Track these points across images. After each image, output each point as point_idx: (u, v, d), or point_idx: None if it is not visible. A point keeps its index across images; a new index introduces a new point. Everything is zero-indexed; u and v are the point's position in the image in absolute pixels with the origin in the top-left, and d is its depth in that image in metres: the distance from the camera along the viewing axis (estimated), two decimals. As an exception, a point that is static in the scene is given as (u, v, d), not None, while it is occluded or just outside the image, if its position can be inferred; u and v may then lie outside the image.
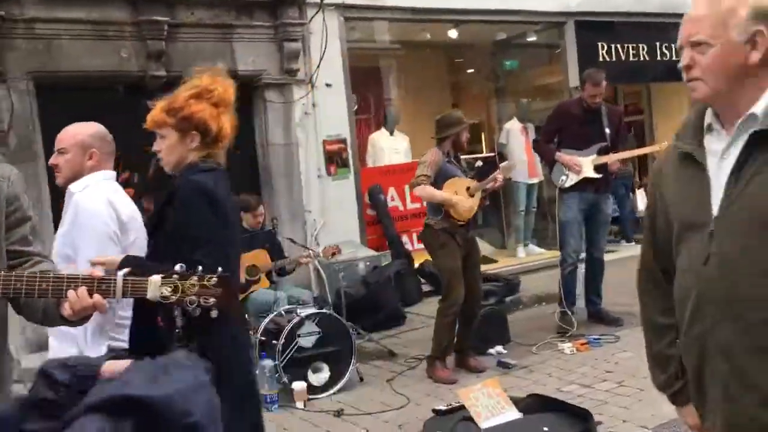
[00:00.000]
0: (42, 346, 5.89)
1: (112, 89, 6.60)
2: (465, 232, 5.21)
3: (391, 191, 8.17)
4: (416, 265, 8.07)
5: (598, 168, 5.99)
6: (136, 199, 6.57)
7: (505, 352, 5.60)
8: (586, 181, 5.99)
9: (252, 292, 5.68)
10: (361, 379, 5.23)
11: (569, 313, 6.06)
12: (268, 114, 7.23)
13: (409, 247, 8.25)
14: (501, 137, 9.71)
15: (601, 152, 6.00)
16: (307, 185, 7.43)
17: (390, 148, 8.75)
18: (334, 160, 7.61)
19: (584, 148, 6.02)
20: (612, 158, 5.97)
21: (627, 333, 5.78)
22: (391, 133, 8.88)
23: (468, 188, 5.20)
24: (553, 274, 8.41)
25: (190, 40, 6.78)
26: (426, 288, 8.16)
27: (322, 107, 7.52)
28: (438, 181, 5.14)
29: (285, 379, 4.81)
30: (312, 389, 4.91)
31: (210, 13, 6.87)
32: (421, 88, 10.39)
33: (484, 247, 9.76)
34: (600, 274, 6.26)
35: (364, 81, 9.27)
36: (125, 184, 6.55)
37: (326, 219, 7.52)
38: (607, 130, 6.02)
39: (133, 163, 6.75)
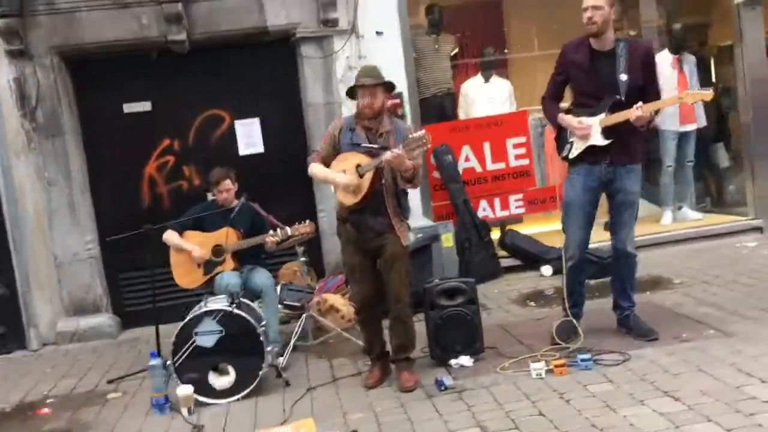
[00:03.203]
0: (77, 311, 6.23)
1: (138, 56, 6.53)
2: (357, 219, 4.21)
3: (466, 150, 7.05)
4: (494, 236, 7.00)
5: (609, 131, 4.42)
6: (177, 166, 6.74)
7: (469, 365, 4.51)
8: (595, 150, 4.47)
9: (217, 273, 5.27)
10: (287, 384, 4.60)
11: (573, 321, 4.68)
12: (305, 71, 6.62)
13: (489, 214, 7.13)
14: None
15: (614, 109, 4.40)
16: (353, 148, 6.70)
17: (484, 97, 7.58)
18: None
19: (595, 105, 4.47)
20: (623, 116, 4.32)
21: (647, 353, 4.31)
22: (487, 80, 7.67)
23: (358, 166, 4.17)
24: (699, 248, 6.81)
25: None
26: (509, 263, 7.03)
27: (372, 59, 6.63)
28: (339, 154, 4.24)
29: (176, 381, 4.38)
30: (215, 393, 4.43)
31: (235, -33, 6.41)
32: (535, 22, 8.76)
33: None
34: (628, 273, 4.73)
35: (467, 20, 8.09)
36: (165, 152, 6.64)
37: (378, 184, 6.74)
38: (623, 77, 4.35)
39: (173, 131, 6.69)
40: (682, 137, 7.67)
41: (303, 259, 5.50)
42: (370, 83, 4.20)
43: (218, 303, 4.57)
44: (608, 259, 6.51)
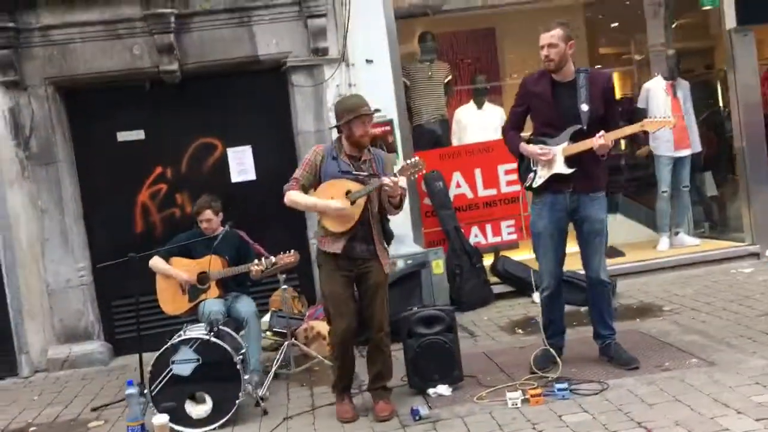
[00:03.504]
0: (69, 338, 6.27)
1: (132, 86, 6.62)
2: (345, 246, 4.20)
3: (457, 177, 7.06)
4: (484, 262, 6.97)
5: (571, 160, 4.43)
6: (169, 194, 6.78)
7: (447, 394, 4.47)
8: (558, 179, 4.48)
9: (202, 300, 5.30)
10: (265, 412, 4.59)
11: (551, 350, 4.64)
12: (296, 99, 6.67)
13: (481, 240, 7.12)
14: (639, 100, 7.86)
15: (576, 138, 4.42)
16: (344, 175, 6.73)
17: (477, 124, 7.59)
18: (378, 145, 6.75)
19: (556, 135, 4.49)
20: (585, 145, 4.36)
21: (626, 383, 4.26)
22: (480, 107, 7.69)
23: (348, 192, 4.18)
24: (694, 275, 6.76)
25: (205, 29, 6.50)
26: (501, 289, 7.00)
27: (362, 87, 6.70)
28: (322, 183, 4.23)
29: (153, 410, 4.38)
30: (191, 422, 4.42)
31: (226, -2, 6.50)
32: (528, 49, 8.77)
33: (628, 231, 8.17)
34: (604, 301, 4.69)
35: (461, 47, 8.14)
36: (158, 180, 6.70)
37: (369, 211, 6.76)
38: (584, 107, 4.38)
39: (166, 159, 6.76)
40: (677, 162, 7.64)
41: (284, 287, 5.49)
42: (371, 112, 4.22)
43: (196, 331, 4.58)
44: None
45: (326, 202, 4.14)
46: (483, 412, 4.12)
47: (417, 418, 4.13)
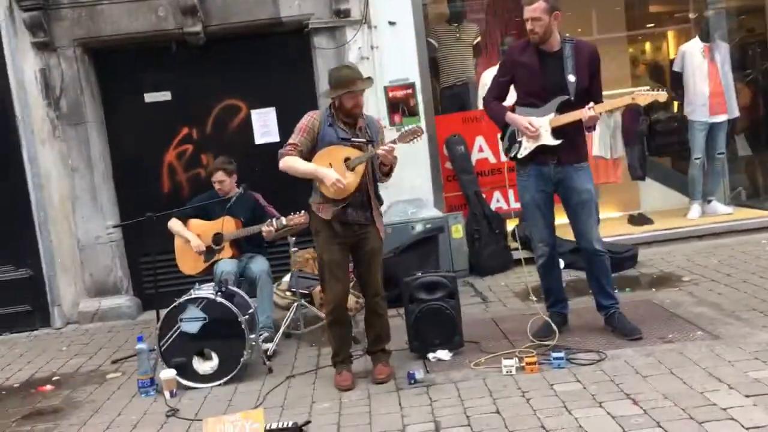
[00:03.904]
0: (99, 292, 6.53)
1: (158, 48, 6.73)
2: (344, 212, 4.24)
3: (479, 141, 7.02)
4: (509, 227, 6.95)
5: (558, 132, 4.36)
6: (195, 154, 6.93)
7: (447, 359, 4.52)
8: (544, 150, 4.42)
9: (217, 260, 5.44)
10: (270, 371, 4.73)
11: (547, 319, 4.64)
12: (317, 61, 6.68)
13: (503, 206, 7.08)
14: (675, 63, 7.62)
15: (562, 109, 4.35)
16: (364, 137, 6.75)
17: (503, 87, 7.46)
18: (399, 108, 6.78)
19: (541, 105, 4.41)
20: (574, 116, 4.30)
21: (625, 353, 4.24)
22: (506, 69, 7.54)
23: (347, 159, 4.20)
24: (722, 244, 6.64)
25: (228, -9, 6.53)
26: (520, 255, 6.95)
27: (384, 49, 6.70)
28: (319, 149, 4.25)
29: (161, 365, 4.56)
30: (198, 377, 4.59)
31: (249, -42, 6.52)
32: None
33: (660, 198, 8.02)
34: (602, 271, 4.62)
35: (493, 7, 7.98)
36: (184, 140, 6.85)
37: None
38: (571, 77, 4.30)
39: (192, 120, 6.88)
40: (713, 128, 7.42)
41: (294, 249, 5.58)
42: (361, 88, 4.21)
43: (204, 291, 4.71)
44: (625, 253, 6.46)
45: (326, 171, 4.14)
46: (477, 378, 4.16)
47: (412, 381, 4.20)
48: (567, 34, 4.55)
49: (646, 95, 4.43)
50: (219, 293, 4.63)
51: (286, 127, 6.83)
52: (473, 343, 4.72)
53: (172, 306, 4.61)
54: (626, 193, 8.16)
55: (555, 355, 4.23)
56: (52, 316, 6.68)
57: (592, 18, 8.57)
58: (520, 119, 4.42)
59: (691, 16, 9.06)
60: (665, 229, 7.31)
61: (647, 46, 9.50)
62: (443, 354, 4.55)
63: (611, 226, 7.64)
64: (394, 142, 4.20)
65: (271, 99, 6.88)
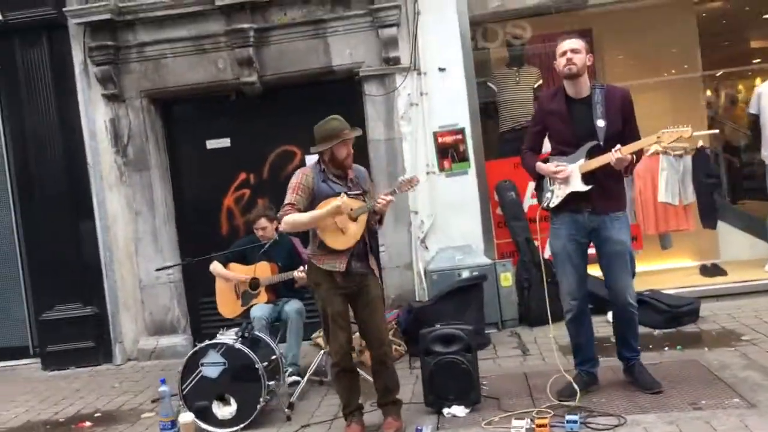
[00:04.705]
0: (157, 331, 6.83)
1: (219, 97, 7.03)
2: (346, 263, 4.21)
3: (532, 187, 6.79)
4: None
5: (589, 177, 4.19)
6: (252, 199, 7.15)
7: (462, 416, 4.38)
8: (577, 198, 4.25)
9: (253, 305, 5.56)
10: (289, 419, 4.74)
11: (568, 377, 4.41)
12: (367, 108, 6.76)
13: (556, 254, 6.82)
14: (751, 105, 7.19)
15: (592, 155, 4.18)
16: (413, 183, 6.73)
17: (562, 131, 7.27)
18: (449, 153, 6.74)
19: (572, 152, 4.25)
20: (602, 160, 4.14)
21: (647, 419, 3.97)
22: (566, 113, 7.35)
23: (350, 210, 4.19)
24: None
25: (282, 42, 6.76)
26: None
27: (434, 95, 6.71)
28: (315, 205, 4.24)
29: (182, 408, 4.68)
30: (217, 422, 4.67)
31: (302, 11, 6.73)
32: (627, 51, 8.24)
33: (735, 247, 7.54)
34: (628, 324, 4.41)
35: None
36: (242, 185, 7.11)
37: (438, 220, 6.75)
38: (600, 122, 4.15)
39: (249, 166, 7.13)
40: (795, 171, 6.92)
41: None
42: (352, 135, 4.25)
43: (227, 336, 4.81)
44: (684, 307, 6.09)
45: (331, 205, 4.09)
46: (485, 439, 4.01)
47: (418, 439, 4.10)
48: (597, 81, 4.42)
49: (671, 133, 4.24)
50: (240, 339, 4.71)
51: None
52: (494, 399, 4.56)
53: (193, 350, 4.73)
54: (703, 241, 7.71)
55: (569, 417, 4.01)
56: (113, 353, 7.00)
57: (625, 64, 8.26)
58: (547, 166, 4.31)
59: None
60: (737, 282, 6.83)
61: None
62: (458, 410, 4.42)
63: (680, 276, 7.25)
64: (393, 192, 4.18)
65: (325, 145, 6.99)
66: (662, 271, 7.51)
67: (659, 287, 6.62)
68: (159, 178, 7.05)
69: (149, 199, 6.99)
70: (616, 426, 3.95)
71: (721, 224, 7.84)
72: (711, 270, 7.22)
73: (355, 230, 4.17)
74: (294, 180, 4.28)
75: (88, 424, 5.24)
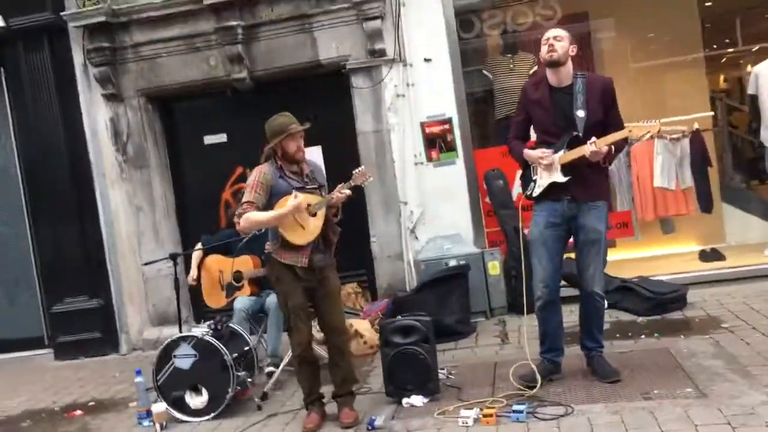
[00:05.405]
0: (160, 321, 7.09)
1: (214, 94, 7.21)
2: (306, 257, 4.30)
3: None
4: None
5: (568, 168, 4.20)
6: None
7: (419, 405, 4.46)
8: (557, 188, 4.28)
9: (236, 298, 5.74)
10: (259, 408, 4.90)
11: (532, 365, 4.44)
12: (355, 101, 6.84)
13: (547, 241, 6.80)
14: (749, 86, 7.02)
15: (572, 145, 4.20)
16: (401, 174, 6.81)
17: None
18: (437, 143, 6.78)
19: (555, 143, 4.27)
20: (578, 152, 4.15)
21: (593, 409, 3.99)
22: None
23: (309, 205, 4.28)
24: None
25: (271, 38, 6.88)
26: (567, 293, 6.65)
27: (421, 86, 6.75)
28: (273, 201, 4.35)
29: (159, 398, 4.88)
30: (191, 412, 4.86)
31: (289, 7, 6.83)
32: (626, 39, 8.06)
33: (743, 231, 7.42)
34: (594, 314, 4.43)
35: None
36: (239, 179, 7.28)
37: (428, 210, 6.80)
38: (580, 113, 4.15)
39: (245, 160, 7.29)
40: (793, 154, 6.74)
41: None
42: (300, 129, 4.35)
43: (199, 329, 4.99)
44: (670, 294, 6.04)
45: (289, 204, 4.16)
46: (432, 429, 4.09)
47: (370, 428, 4.20)
48: (580, 71, 4.40)
49: (640, 127, 4.22)
50: (210, 332, 4.88)
51: (331, 164, 7.07)
52: (455, 389, 4.63)
53: (166, 342, 4.92)
54: (708, 225, 7.58)
55: (515, 407, 4.06)
56: (119, 343, 7.28)
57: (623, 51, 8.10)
58: (533, 152, 4.35)
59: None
60: (734, 267, 6.71)
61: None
62: (417, 400, 4.50)
63: (679, 262, 7.15)
64: (349, 185, 4.26)
65: (317, 138, 7.09)
66: (661, 257, 7.43)
67: (655, 273, 6.56)
68: (158, 174, 7.27)
69: (149, 195, 7.22)
70: (562, 416, 3.98)
71: (727, 207, 7.71)
72: (710, 255, 7.11)
73: (314, 225, 4.28)
74: (251, 178, 4.38)
75: (78, 412, 5.49)
